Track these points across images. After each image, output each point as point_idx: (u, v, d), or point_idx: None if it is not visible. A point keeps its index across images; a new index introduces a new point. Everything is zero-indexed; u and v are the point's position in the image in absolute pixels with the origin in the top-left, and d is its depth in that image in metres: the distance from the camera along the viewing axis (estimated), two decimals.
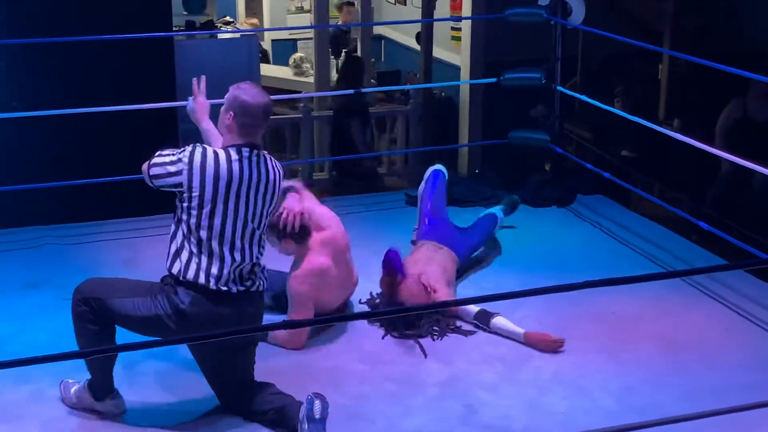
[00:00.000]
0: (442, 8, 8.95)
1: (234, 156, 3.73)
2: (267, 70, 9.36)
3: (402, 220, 6.16)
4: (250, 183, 3.74)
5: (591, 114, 7.18)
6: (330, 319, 4.63)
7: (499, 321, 4.64)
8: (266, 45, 10.87)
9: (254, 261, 3.81)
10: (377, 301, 4.94)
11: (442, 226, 5.30)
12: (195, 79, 4.13)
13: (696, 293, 5.15)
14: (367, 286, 5.16)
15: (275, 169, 3.87)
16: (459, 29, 9.26)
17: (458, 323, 4.72)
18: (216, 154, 3.72)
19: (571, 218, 6.37)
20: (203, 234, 3.70)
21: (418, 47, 8.98)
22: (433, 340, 4.59)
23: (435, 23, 8.09)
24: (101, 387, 3.92)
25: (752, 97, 6.37)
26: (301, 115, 7.69)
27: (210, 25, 8.05)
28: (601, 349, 4.53)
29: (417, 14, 9.50)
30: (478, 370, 4.34)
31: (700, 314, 4.93)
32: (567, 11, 6.62)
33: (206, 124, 4.07)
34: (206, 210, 3.69)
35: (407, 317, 4.62)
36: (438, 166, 5.64)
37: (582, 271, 5.28)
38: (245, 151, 3.75)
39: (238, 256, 3.74)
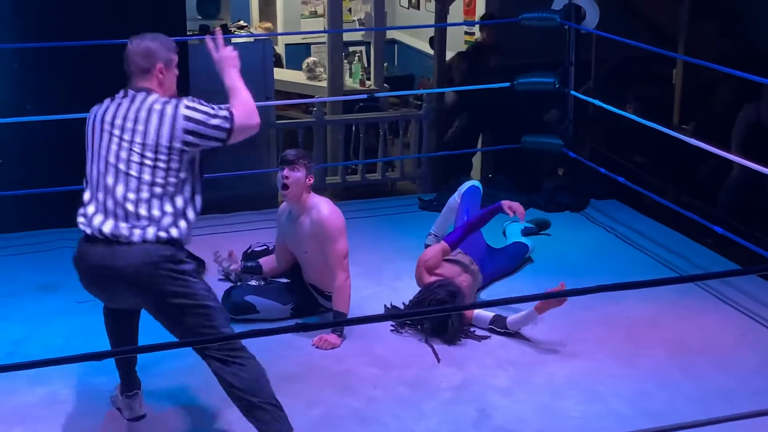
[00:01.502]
0: (455, 12, 8.95)
1: (106, 101, 3.69)
2: (280, 74, 9.37)
3: (415, 224, 6.16)
4: (113, 124, 3.58)
5: (605, 118, 7.17)
6: (347, 322, 4.63)
7: (512, 318, 4.63)
8: (280, 49, 10.89)
9: (126, 204, 3.48)
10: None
11: (478, 243, 5.26)
12: (208, 37, 3.88)
13: (710, 298, 5.13)
14: (379, 290, 5.17)
15: (158, 107, 3.56)
16: (472, 34, 9.27)
17: (472, 329, 4.71)
18: (99, 104, 3.70)
19: (584, 223, 6.36)
20: (84, 181, 3.68)
21: (431, 51, 8.98)
22: (448, 345, 4.58)
23: (448, 27, 8.08)
24: (121, 381, 3.91)
25: (765, 102, 6.35)
26: (314, 119, 7.70)
27: (224, 30, 8.08)
28: (615, 354, 4.52)
29: (430, 19, 9.50)
30: (491, 375, 4.34)
31: (714, 319, 4.91)
32: (581, 15, 6.61)
33: (229, 80, 3.77)
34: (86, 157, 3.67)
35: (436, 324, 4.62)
36: (474, 182, 5.61)
37: (595, 275, 5.28)
38: (118, 95, 3.68)
39: (102, 198, 3.53)
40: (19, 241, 5.85)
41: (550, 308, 4.52)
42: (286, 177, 4.64)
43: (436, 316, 4.62)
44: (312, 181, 4.70)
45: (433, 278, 4.88)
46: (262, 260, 5.05)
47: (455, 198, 5.53)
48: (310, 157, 4.76)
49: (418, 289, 5.00)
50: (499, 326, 4.66)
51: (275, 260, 5.03)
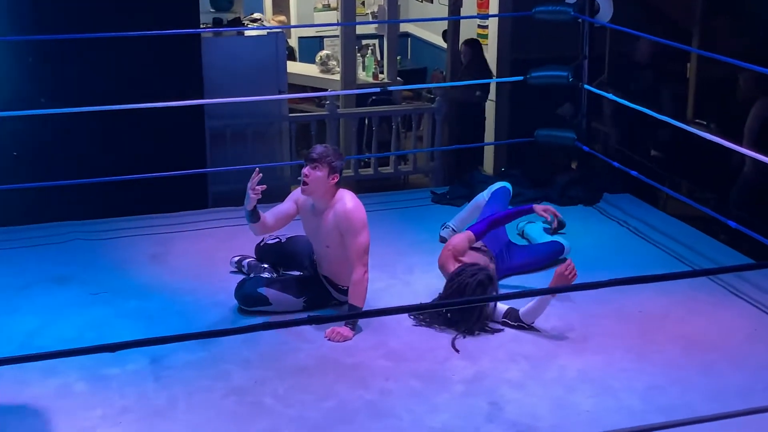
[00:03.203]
0: (468, 6, 8.94)
1: None
2: (293, 67, 9.37)
3: (428, 218, 6.16)
4: None
5: (618, 112, 7.14)
6: (359, 315, 4.63)
7: (525, 309, 4.63)
8: (293, 42, 10.90)
9: None
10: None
11: (500, 237, 5.25)
12: None
13: (723, 292, 5.11)
14: (392, 283, 5.18)
15: None
16: (486, 27, 9.26)
17: (488, 323, 4.71)
18: None
19: (597, 217, 6.35)
20: None
21: (444, 45, 8.98)
22: (464, 337, 4.58)
23: (462, 21, 8.07)
24: None
25: None
26: (327, 113, 7.71)
27: (237, 23, 8.07)
28: (628, 348, 4.51)
29: (444, 12, 9.49)
30: (503, 368, 4.33)
31: (727, 314, 4.89)
32: (595, 9, 6.59)
33: None
34: None
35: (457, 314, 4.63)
36: (506, 183, 5.62)
37: (608, 269, 5.26)
38: None
39: None
40: (33, 233, 5.87)
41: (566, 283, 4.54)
42: (306, 175, 4.62)
43: (455, 308, 4.63)
44: (336, 179, 4.65)
45: (458, 265, 4.87)
46: (263, 216, 4.81)
47: (483, 196, 5.53)
48: (338, 155, 4.68)
49: (430, 282, 5.00)
50: (512, 319, 4.66)
51: (275, 215, 4.86)
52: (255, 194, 4.60)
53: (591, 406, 4.03)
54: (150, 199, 6.22)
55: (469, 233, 5.03)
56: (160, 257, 5.56)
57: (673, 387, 4.18)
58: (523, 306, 4.66)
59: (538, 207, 5.16)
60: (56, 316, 4.81)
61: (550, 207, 5.19)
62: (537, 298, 4.60)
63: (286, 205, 4.86)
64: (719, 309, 4.94)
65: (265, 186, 4.61)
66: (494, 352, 4.48)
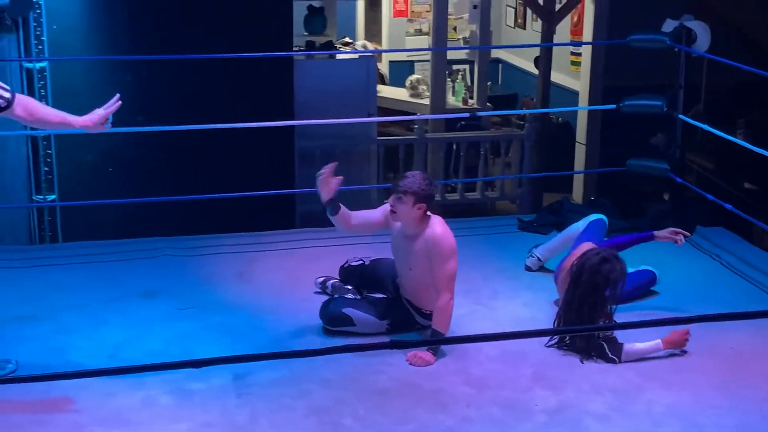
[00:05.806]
0: (561, 33, 8.88)
1: None
2: (384, 91, 9.43)
3: (514, 245, 6.10)
4: None
5: (713, 144, 6.99)
6: (442, 341, 4.60)
7: (633, 348, 4.57)
8: (384, 66, 10.96)
9: None
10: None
11: None
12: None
13: None
14: (476, 309, 5.14)
15: None
16: (579, 54, 9.17)
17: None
18: None
19: (690, 250, 6.19)
20: None
21: (535, 71, 8.94)
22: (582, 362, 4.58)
23: (554, 48, 8.01)
24: None
25: None
26: (415, 137, 7.72)
27: (329, 46, 8.16)
28: (718, 385, 4.38)
29: (536, 38, 9.45)
30: (587, 399, 4.25)
31: None
32: (692, 38, 6.47)
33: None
34: None
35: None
36: (602, 216, 5.50)
37: (700, 304, 5.15)
38: None
39: None
40: (125, 247, 5.98)
41: (676, 347, 4.57)
42: (392, 205, 4.66)
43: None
44: (423, 209, 4.63)
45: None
46: (347, 212, 4.80)
47: (578, 227, 5.41)
48: (426, 183, 4.62)
49: (514, 309, 4.94)
50: (611, 351, 4.56)
51: (361, 217, 4.87)
52: (325, 184, 4.62)
53: None
54: (238, 218, 6.30)
55: (591, 244, 4.99)
56: (247, 275, 5.61)
57: (765, 425, 4.04)
58: (631, 343, 4.58)
59: (660, 234, 5.18)
60: (144, 329, 4.89)
61: (672, 229, 5.20)
62: (649, 343, 4.56)
63: (376, 214, 4.87)
64: None
65: (341, 177, 4.65)
66: (578, 382, 4.40)
